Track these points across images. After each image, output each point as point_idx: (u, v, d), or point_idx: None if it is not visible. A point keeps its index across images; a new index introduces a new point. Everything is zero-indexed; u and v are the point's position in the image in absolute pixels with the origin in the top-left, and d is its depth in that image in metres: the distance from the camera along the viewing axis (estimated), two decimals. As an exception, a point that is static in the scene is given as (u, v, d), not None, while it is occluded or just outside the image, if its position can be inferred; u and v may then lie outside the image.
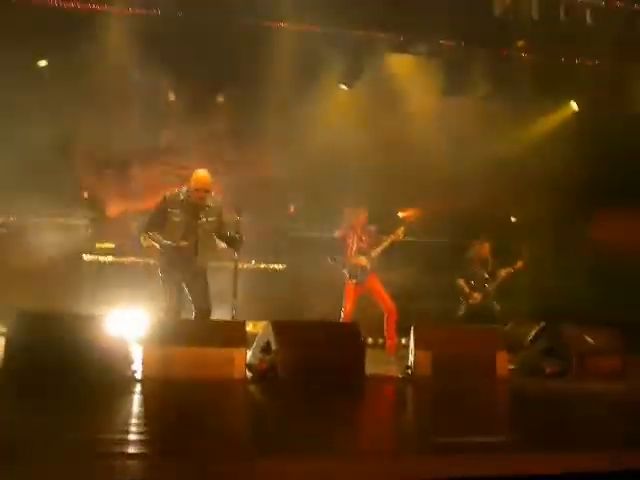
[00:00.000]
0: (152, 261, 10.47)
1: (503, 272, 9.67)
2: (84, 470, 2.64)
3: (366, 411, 5.25)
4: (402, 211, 12.07)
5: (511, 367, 6.99)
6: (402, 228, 8.97)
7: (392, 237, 8.96)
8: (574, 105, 12.02)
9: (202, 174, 7.33)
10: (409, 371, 6.71)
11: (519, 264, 9.67)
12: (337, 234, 9.13)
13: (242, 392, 5.90)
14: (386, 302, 8.85)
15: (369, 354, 6.81)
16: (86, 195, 11.84)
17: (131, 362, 6.26)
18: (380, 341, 10.50)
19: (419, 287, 10.90)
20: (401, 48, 11.63)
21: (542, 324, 8.24)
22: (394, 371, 7.23)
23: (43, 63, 10.85)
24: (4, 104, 9.89)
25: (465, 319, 9.38)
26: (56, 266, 9.02)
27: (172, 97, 12.27)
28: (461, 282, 9.70)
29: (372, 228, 9.14)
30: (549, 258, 10.83)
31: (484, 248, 9.83)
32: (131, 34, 10.45)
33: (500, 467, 3.02)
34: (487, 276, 9.66)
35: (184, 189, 7.36)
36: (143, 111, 12.28)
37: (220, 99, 12.32)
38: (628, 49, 10.80)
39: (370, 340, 10.26)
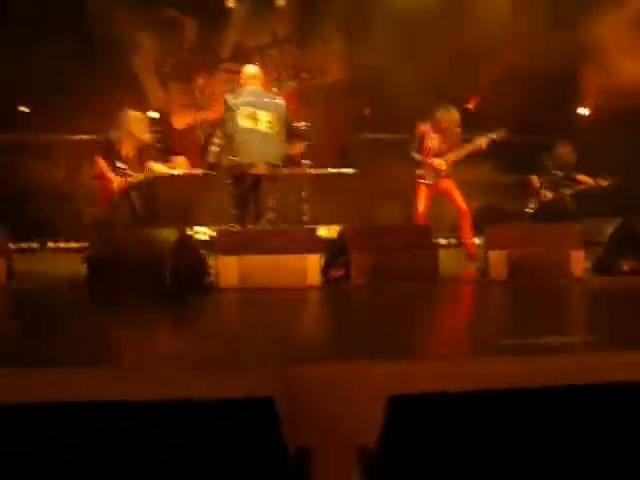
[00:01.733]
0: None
1: (584, 180, 9.22)
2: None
3: (441, 314, 5.28)
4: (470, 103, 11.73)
5: (588, 265, 6.87)
6: (485, 140, 8.50)
7: (475, 146, 8.51)
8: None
9: (250, 69, 7.48)
10: (483, 272, 6.68)
11: (603, 182, 9.17)
12: (418, 129, 8.70)
13: (317, 298, 5.99)
14: (460, 205, 8.46)
15: (444, 255, 6.81)
16: (157, 115, 11.92)
17: (208, 272, 6.43)
18: (453, 241, 10.47)
19: (492, 186, 10.75)
20: None
21: (619, 220, 8.03)
22: (469, 272, 7.21)
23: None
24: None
25: (536, 217, 9.06)
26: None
27: (231, 3, 12.06)
28: (533, 177, 9.33)
29: (458, 130, 8.60)
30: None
31: (567, 152, 9.35)
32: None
33: (581, 369, 3.00)
34: (563, 178, 9.22)
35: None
36: (202, 19, 12.22)
37: (281, 2, 12.02)
38: None
39: (444, 241, 10.23)
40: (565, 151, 9.28)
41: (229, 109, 7.17)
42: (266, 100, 7.23)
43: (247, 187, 7.32)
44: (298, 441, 2.07)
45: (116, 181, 8.09)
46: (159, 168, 8.15)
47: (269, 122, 7.12)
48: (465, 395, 1.86)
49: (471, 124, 9.22)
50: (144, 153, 8.21)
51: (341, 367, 2.65)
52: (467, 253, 8.42)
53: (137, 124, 8.22)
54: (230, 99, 7.25)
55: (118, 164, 8.15)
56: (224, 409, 1.87)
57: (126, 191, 8.22)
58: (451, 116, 8.55)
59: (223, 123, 7.53)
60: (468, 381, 2.40)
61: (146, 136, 8.29)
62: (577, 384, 2.38)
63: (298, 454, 1.95)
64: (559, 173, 9.19)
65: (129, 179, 8.10)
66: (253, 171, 7.21)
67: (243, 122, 7.06)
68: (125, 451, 1.82)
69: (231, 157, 7.25)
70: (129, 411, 1.89)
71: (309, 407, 2.31)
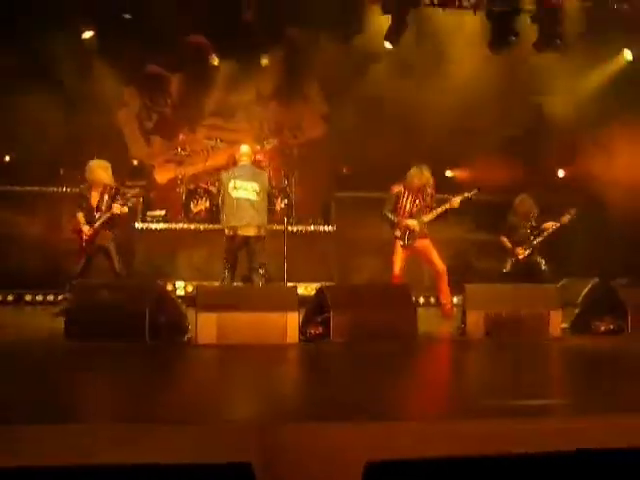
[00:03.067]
0: (202, 227, 10.68)
1: (549, 225, 9.35)
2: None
3: (421, 373, 5.27)
4: (450, 170, 11.97)
5: (564, 325, 6.92)
6: (458, 198, 8.60)
7: (447, 205, 8.62)
8: (628, 54, 11.58)
9: (244, 148, 8.58)
10: (461, 331, 6.70)
11: (565, 218, 9.31)
12: (392, 190, 8.81)
13: (296, 356, 5.96)
14: (436, 265, 8.60)
15: (422, 313, 6.83)
16: (136, 163, 12.00)
17: (186, 328, 6.41)
18: (432, 300, 10.51)
19: (466, 245, 10.86)
20: (444, 3, 11.39)
21: (595, 280, 8.13)
22: (447, 331, 7.23)
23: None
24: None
25: (511, 276, 9.15)
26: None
27: (216, 61, 12.25)
28: (503, 239, 9.46)
29: (430, 191, 8.74)
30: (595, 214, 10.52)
31: (526, 201, 9.50)
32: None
33: (557, 434, 3.01)
34: (531, 230, 9.36)
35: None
36: (187, 76, 12.39)
37: (265, 61, 12.23)
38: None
39: (422, 300, 10.28)
40: (525, 203, 9.45)
41: (223, 183, 8.33)
42: (252, 172, 8.32)
43: (238, 246, 8.19)
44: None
45: (86, 232, 8.22)
46: (119, 208, 8.34)
47: (255, 191, 8.15)
48: (444, 460, 1.86)
49: (444, 185, 9.41)
50: (110, 197, 8.35)
51: (319, 429, 2.63)
52: (444, 312, 8.49)
53: (99, 171, 8.39)
54: (224, 175, 8.41)
55: (94, 213, 8.29)
56: (201, 472, 1.86)
57: (100, 243, 8.30)
58: (424, 177, 8.67)
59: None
60: (449, 444, 2.39)
61: (109, 181, 8.45)
62: (557, 450, 2.39)
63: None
64: (524, 227, 9.34)
65: (96, 225, 8.23)
66: (244, 232, 8.15)
67: (233, 192, 8.13)
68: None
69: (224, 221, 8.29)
70: (99, 475, 1.87)
71: (287, 472, 2.29)
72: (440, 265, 8.58)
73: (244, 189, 8.16)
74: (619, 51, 11.58)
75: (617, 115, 10.35)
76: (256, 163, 10.69)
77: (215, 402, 3.71)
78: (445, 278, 8.54)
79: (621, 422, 3.18)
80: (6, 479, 1.84)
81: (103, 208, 8.38)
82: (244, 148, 8.56)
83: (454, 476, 1.87)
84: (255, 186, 8.19)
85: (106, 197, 8.44)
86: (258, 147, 11.43)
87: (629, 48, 11.49)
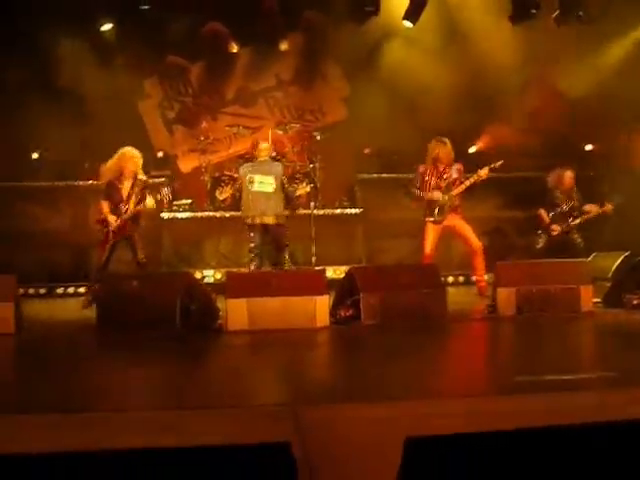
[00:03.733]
0: (228, 214, 10.70)
1: (591, 210, 9.18)
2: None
3: (453, 352, 5.25)
4: (475, 144, 11.85)
5: (596, 300, 6.85)
6: (486, 169, 8.48)
7: (475, 177, 8.45)
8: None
9: (262, 145, 8.92)
10: (492, 309, 6.67)
11: (608, 207, 9.11)
12: (418, 169, 8.71)
13: (327, 339, 5.97)
14: (471, 242, 8.44)
15: (452, 292, 6.80)
16: (160, 154, 12.03)
17: (217, 315, 6.44)
18: (461, 279, 10.46)
19: (501, 221, 10.77)
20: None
21: (626, 254, 8.02)
22: (478, 309, 7.20)
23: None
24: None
25: (544, 252, 9.03)
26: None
27: (235, 48, 12.24)
28: (542, 212, 9.27)
29: (457, 165, 8.60)
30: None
31: (567, 176, 9.30)
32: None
33: (597, 406, 2.98)
34: (571, 209, 9.20)
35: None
36: (207, 65, 12.40)
37: (284, 46, 12.20)
38: None
39: (451, 279, 10.23)
40: (568, 179, 9.28)
41: (240, 177, 8.88)
42: (269, 166, 8.75)
43: (260, 234, 8.57)
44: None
45: (113, 222, 8.21)
46: (151, 203, 8.29)
47: (270, 184, 8.57)
48: (482, 436, 1.85)
49: (470, 162, 9.30)
50: (140, 189, 8.34)
51: (357, 409, 2.63)
52: (479, 290, 8.38)
53: (133, 160, 8.36)
54: (242, 170, 8.87)
55: (120, 205, 8.28)
56: (241, 452, 1.86)
57: (125, 233, 8.30)
58: (445, 149, 8.58)
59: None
60: (486, 420, 2.38)
61: (140, 171, 8.43)
62: (594, 422, 2.37)
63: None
64: (564, 206, 9.18)
65: (124, 216, 8.23)
66: (261, 220, 8.54)
67: (250, 186, 8.56)
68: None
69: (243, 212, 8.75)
70: (142, 457, 1.89)
71: (325, 451, 2.30)
72: (476, 242, 8.42)
73: (260, 182, 8.59)
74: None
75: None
76: (279, 149, 10.83)
77: (250, 387, 3.73)
78: (481, 255, 8.38)
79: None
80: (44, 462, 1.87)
81: (133, 199, 8.33)
82: (263, 145, 8.89)
83: (493, 449, 1.87)
84: (270, 179, 8.60)
85: (136, 189, 8.39)
86: (281, 132, 11.41)
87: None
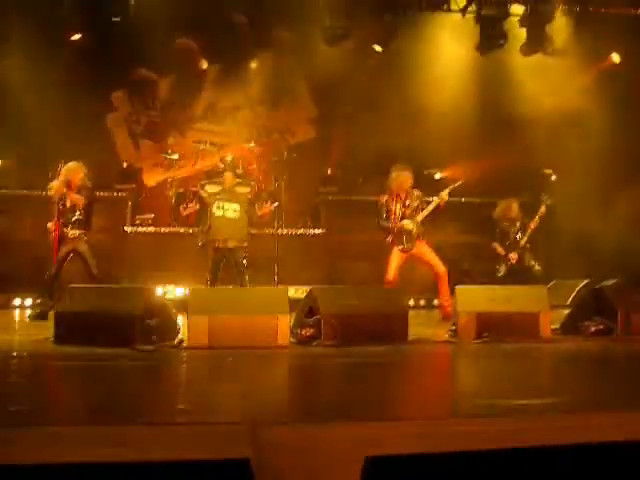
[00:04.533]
0: (192, 230, 10.66)
1: (532, 224, 9.44)
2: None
3: (411, 375, 5.27)
4: (440, 172, 12.00)
5: (555, 327, 6.95)
6: (446, 190, 8.61)
7: (437, 200, 8.60)
8: (616, 57, 11.64)
9: (228, 176, 9.50)
10: (453, 333, 6.71)
11: (542, 209, 9.38)
12: (380, 200, 8.79)
13: (287, 358, 5.96)
14: (436, 267, 8.57)
15: (414, 316, 6.83)
16: (125, 165, 11.97)
17: (177, 331, 6.40)
18: (422, 302, 10.54)
19: (459, 249, 10.88)
20: (434, 6, 11.48)
21: (585, 281, 8.17)
22: (438, 333, 7.24)
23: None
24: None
25: (506, 280, 9.19)
26: (99, 239, 9.11)
27: (205, 65, 12.27)
28: (496, 245, 9.55)
29: (417, 192, 8.74)
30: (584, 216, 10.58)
31: (511, 207, 9.58)
32: (160, 4, 10.39)
33: (548, 430, 3.02)
34: (518, 233, 9.45)
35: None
36: (176, 80, 12.40)
37: (254, 65, 12.26)
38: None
39: (412, 302, 10.29)
40: (511, 208, 9.52)
41: (205, 201, 9.40)
42: (233, 195, 9.33)
43: (221, 256, 9.08)
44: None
45: (50, 227, 8.24)
46: (80, 200, 8.41)
47: (235, 211, 9.15)
48: (442, 456, 1.87)
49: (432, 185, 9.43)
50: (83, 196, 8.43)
51: (316, 429, 2.63)
52: (444, 314, 8.43)
53: (73, 174, 8.37)
54: (208, 196, 9.42)
55: (70, 216, 8.28)
56: (199, 470, 1.85)
57: (73, 246, 8.30)
58: (405, 178, 8.66)
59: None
60: (443, 442, 2.40)
61: (80, 182, 8.46)
62: (548, 444, 2.40)
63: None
64: (513, 232, 9.40)
65: (69, 230, 8.24)
66: (225, 245, 9.06)
67: (217, 212, 9.14)
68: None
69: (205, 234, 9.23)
70: (105, 472, 1.87)
71: (285, 469, 2.29)
72: (440, 267, 8.54)
73: (225, 209, 9.16)
74: (607, 54, 11.66)
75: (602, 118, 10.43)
76: (246, 166, 10.91)
77: (208, 404, 3.71)
78: (446, 280, 8.49)
79: (609, 419, 3.20)
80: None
81: (80, 210, 8.38)
82: (228, 175, 9.48)
83: (451, 470, 1.88)
84: (235, 207, 9.17)
85: (77, 196, 8.42)
86: (249, 147, 11.49)
87: (617, 52, 11.57)
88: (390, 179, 8.70)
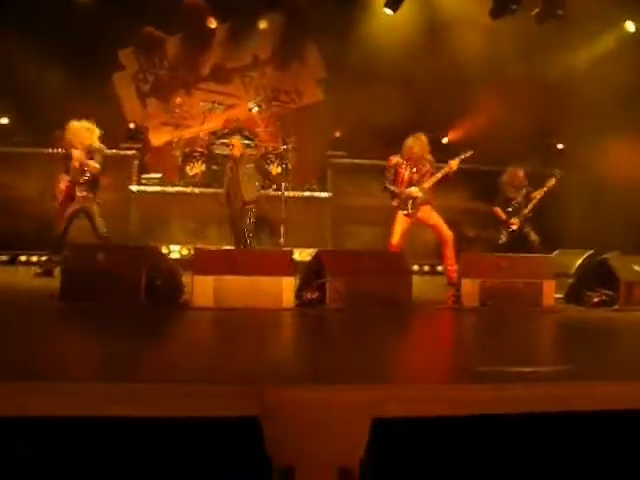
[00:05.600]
0: (198, 190, 10.66)
1: (537, 194, 9.44)
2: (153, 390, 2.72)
3: (413, 339, 5.31)
4: (447, 137, 11.95)
5: (558, 296, 6.97)
6: (457, 160, 8.56)
7: (446, 169, 8.55)
8: (631, 26, 11.48)
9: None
10: (457, 299, 6.75)
11: (550, 182, 9.40)
12: (390, 162, 8.74)
13: (292, 320, 6.00)
14: (442, 232, 8.53)
15: (418, 281, 6.86)
16: (132, 125, 11.93)
17: (182, 291, 6.44)
18: (426, 268, 10.56)
19: (463, 215, 10.87)
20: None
21: (589, 252, 8.18)
22: (442, 299, 7.27)
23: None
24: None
25: (507, 247, 9.21)
26: (105, 197, 9.11)
27: (213, 24, 12.15)
28: (497, 209, 9.56)
29: (429, 157, 8.68)
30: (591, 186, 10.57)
31: (518, 174, 9.58)
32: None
33: (549, 398, 3.05)
34: (523, 201, 9.45)
35: None
36: (183, 39, 12.29)
37: (262, 25, 12.14)
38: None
39: (416, 267, 10.31)
40: (517, 175, 9.52)
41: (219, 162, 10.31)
42: (243, 156, 9.77)
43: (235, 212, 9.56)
44: (282, 461, 2.08)
45: (61, 187, 8.24)
46: (94, 165, 8.38)
47: (244, 173, 9.60)
48: (447, 420, 1.90)
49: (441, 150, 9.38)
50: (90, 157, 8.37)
51: (322, 390, 2.66)
52: (449, 279, 8.45)
53: (81, 132, 8.34)
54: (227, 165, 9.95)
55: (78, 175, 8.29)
56: (208, 426, 1.88)
57: (80, 204, 8.31)
58: (422, 145, 8.61)
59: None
60: (446, 406, 2.43)
61: (93, 142, 8.42)
62: (548, 411, 2.43)
63: (282, 473, 1.97)
64: (517, 199, 9.40)
65: (69, 182, 8.25)
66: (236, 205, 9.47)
67: (228, 172, 9.67)
68: (110, 467, 1.82)
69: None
70: (113, 426, 1.90)
71: (293, 427, 2.32)
72: (447, 232, 8.51)
73: (235, 170, 9.54)
74: (622, 22, 11.50)
75: (617, 88, 10.31)
76: (252, 129, 10.91)
77: (214, 364, 3.74)
78: (452, 245, 8.47)
79: (607, 388, 3.24)
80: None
81: (85, 167, 8.36)
82: (236, 139, 9.89)
83: (455, 432, 1.92)
84: (245, 168, 9.60)
85: (85, 156, 8.39)
86: (255, 111, 11.41)
87: (632, 20, 11.41)
88: (407, 144, 8.62)
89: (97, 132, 8.51)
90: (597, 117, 10.59)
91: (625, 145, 10.37)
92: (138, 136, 11.71)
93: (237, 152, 9.60)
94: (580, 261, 7.71)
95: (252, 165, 9.68)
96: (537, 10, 11.30)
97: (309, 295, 6.43)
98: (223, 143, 10.50)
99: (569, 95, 11.02)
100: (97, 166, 8.35)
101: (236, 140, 9.72)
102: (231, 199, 9.53)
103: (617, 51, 11.11)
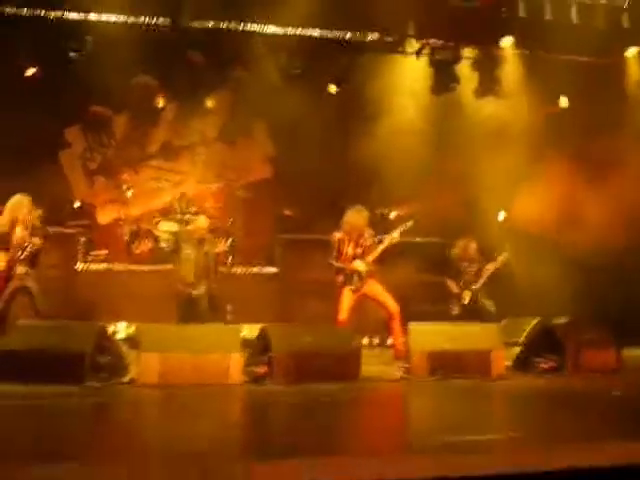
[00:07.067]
0: (145, 268, 10.55)
1: (489, 267, 9.54)
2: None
3: (363, 412, 5.25)
4: (394, 210, 12.09)
5: (507, 364, 7.00)
6: (397, 231, 8.64)
7: (388, 241, 8.63)
8: (564, 101, 11.97)
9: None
10: (406, 371, 6.72)
11: (502, 258, 9.52)
12: (333, 238, 8.76)
13: (239, 396, 5.89)
14: (388, 306, 8.38)
15: (367, 355, 6.83)
16: (78, 204, 11.82)
17: (127, 369, 6.29)
18: (375, 341, 10.52)
19: (413, 288, 10.91)
20: (389, 48, 11.71)
21: (537, 320, 8.27)
22: (391, 371, 7.24)
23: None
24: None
25: (460, 319, 9.23)
26: (49, 276, 8.94)
27: (161, 102, 12.25)
28: (450, 283, 9.61)
29: (370, 231, 8.63)
30: (536, 254, 10.76)
31: (469, 247, 9.67)
32: (118, 41, 10.40)
33: (497, 465, 3.03)
34: (475, 274, 9.55)
35: None
36: (132, 116, 12.35)
37: (210, 103, 12.29)
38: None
39: (366, 340, 10.26)
40: (468, 248, 9.62)
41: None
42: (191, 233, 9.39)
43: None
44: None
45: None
46: (37, 241, 8.13)
47: (193, 249, 9.07)
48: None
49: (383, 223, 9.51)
50: (27, 231, 8.22)
51: (268, 465, 2.60)
52: (396, 353, 8.38)
53: (21, 210, 8.23)
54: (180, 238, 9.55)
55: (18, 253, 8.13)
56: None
57: (20, 282, 8.12)
58: (361, 218, 8.67)
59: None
60: (396, 476, 2.38)
61: (30, 216, 8.29)
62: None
63: None
64: (469, 272, 9.49)
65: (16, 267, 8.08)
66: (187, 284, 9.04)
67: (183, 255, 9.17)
68: None
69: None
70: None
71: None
72: (393, 306, 8.44)
73: (184, 248, 9.13)
74: (556, 97, 11.98)
75: (551, 157, 10.67)
76: (201, 204, 10.93)
77: (158, 442, 3.64)
78: (398, 318, 8.42)
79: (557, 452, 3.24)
80: None
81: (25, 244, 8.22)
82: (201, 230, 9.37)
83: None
84: (193, 245, 9.10)
85: (25, 232, 8.24)
86: (203, 188, 11.46)
87: (565, 95, 11.90)
88: (345, 219, 8.67)
89: (37, 211, 8.39)
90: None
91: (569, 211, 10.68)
92: (84, 213, 11.60)
93: (202, 232, 9.35)
94: (528, 329, 7.78)
95: (213, 243, 9.46)
96: (475, 86, 11.71)
97: (256, 371, 6.35)
98: (168, 219, 10.37)
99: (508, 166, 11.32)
100: (38, 242, 8.20)
101: (202, 220, 9.48)
102: (191, 278, 9.23)
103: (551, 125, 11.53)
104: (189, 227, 9.72)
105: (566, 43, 10.98)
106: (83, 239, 10.80)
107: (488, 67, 11.66)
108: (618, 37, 11.22)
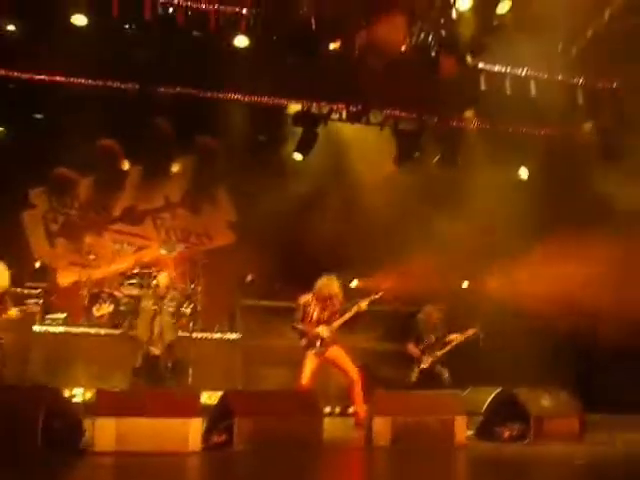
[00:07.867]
0: (103, 331, 10.37)
1: (453, 338, 9.54)
2: None
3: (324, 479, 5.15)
4: (356, 281, 12.11)
5: (469, 432, 6.95)
6: (366, 301, 8.66)
7: (355, 309, 8.60)
8: (524, 172, 12.26)
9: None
10: (368, 438, 6.63)
11: (470, 331, 9.54)
12: (300, 300, 8.76)
13: (197, 464, 5.75)
14: (349, 371, 8.42)
15: (329, 423, 6.74)
16: (38, 264, 11.67)
17: (82, 434, 6.12)
18: (337, 410, 10.39)
19: (375, 355, 10.86)
20: (354, 118, 11.91)
21: (499, 389, 8.26)
22: (353, 439, 7.14)
23: None
24: None
25: (418, 384, 9.19)
26: (5, 338, 8.73)
27: (126, 166, 12.27)
28: (411, 346, 9.57)
29: (339, 298, 8.67)
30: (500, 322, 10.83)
31: (434, 314, 9.69)
32: (84, 104, 10.44)
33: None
34: (436, 341, 9.54)
35: None
36: (96, 179, 12.34)
37: (175, 168, 12.34)
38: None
39: (328, 409, 10.13)
40: (432, 315, 9.63)
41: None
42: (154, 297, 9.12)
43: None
44: None
45: None
46: (14, 312, 8.07)
47: (156, 313, 8.86)
48: None
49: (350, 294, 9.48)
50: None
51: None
52: (356, 420, 8.30)
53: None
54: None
55: None
56: None
57: None
58: (333, 286, 8.69)
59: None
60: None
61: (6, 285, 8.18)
62: None
63: None
64: (431, 338, 9.49)
65: None
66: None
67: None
68: None
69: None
70: None
71: None
72: (354, 372, 8.42)
73: (146, 312, 8.94)
74: (516, 169, 12.27)
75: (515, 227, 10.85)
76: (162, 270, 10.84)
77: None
78: (359, 385, 8.38)
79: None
80: None
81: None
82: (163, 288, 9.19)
83: None
84: (155, 308, 8.90)
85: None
86: (165, 253, 11.40)
87: (525, 167, 12.21)
88: (317, 284, 8.67)
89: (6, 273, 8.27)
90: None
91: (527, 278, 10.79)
92: (44, 275, 11.43)
93: (163, 289, 9.15)
94: (490, 398, 7.76)
95: (174, 303, 9.33)
96: (437, 157, 11.94)
97: (216, 438, 6.22)
98: (131, 283, 10.24)
99: (473, 238, 11.46)
100: (17, 312, 8.12)
101: (163, 277, 9.35)
102: (149, 334, 8.86)
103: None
104: (151, 284, 9.60)
105: (525, 116, 11.34)
106: (41, 301, 10.62)
107: (450, 138, 11.93)
108: (574, 112, 11.55)
